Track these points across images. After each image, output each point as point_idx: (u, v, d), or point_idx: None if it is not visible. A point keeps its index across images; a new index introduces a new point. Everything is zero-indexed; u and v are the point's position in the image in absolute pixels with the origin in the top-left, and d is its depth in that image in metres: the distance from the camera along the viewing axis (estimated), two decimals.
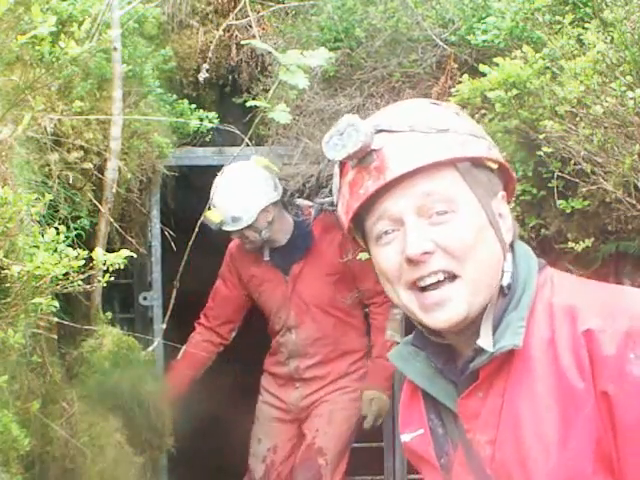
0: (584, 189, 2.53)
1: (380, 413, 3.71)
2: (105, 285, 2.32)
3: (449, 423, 1.31)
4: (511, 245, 1.29)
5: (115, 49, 3.24)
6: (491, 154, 1.28)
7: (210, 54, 4.26)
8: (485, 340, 1.21)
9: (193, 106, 4.18)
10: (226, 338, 3.92)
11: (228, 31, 4.38)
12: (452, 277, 1.21)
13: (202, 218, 3.63)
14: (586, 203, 2.63)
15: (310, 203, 3.60)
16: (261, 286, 3.79)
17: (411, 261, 1.20)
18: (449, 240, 1.20)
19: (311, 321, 3.70)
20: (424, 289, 1.22)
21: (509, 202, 1.33)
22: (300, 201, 3.63)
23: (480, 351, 1.23)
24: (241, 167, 3.50)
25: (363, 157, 1.23)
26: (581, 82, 2.36)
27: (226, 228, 3.49)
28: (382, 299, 3.60)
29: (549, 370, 1.19)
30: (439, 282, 1.21)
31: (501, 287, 1.25)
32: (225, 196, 3.46)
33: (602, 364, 1.14)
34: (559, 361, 1.17)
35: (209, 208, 3.45)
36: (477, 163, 1.26)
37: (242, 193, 3.46)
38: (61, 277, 2.09)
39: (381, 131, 1.24)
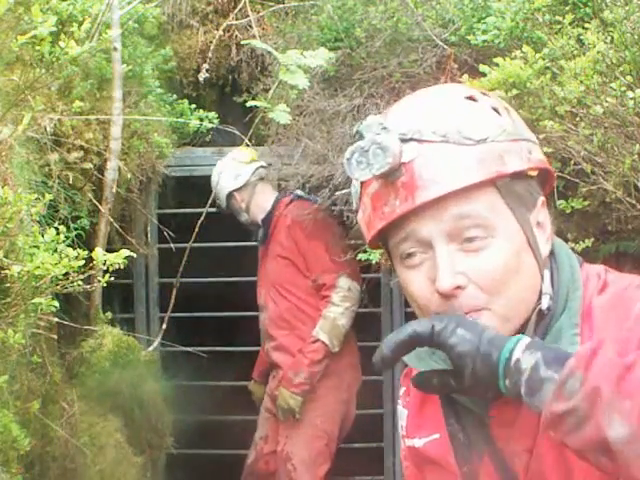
0: (584, 189, 2.52)
1: (287, 408, 3.59)
2: (105, 285, 2.31)
3: (472, 429, 1.20)
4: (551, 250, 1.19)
5: (115, 49, 3.25)
6: (532, 160, 1.15)
7: (210, 54, 4.26)
8: None
9: (193, 106, 4.19)
10: None
11: (228, 31, 4.39)
12: (481, 309, 1.12)
13: (202, 217, 3.66)
14: (586, 203, 2.63)
15: (306, 196, 3.72)
16: (259, 264, 3.90)
17: (442, 294, 1.10)
18: (482, 274, 1.10)
19: (272, 301, 3.73)
20: None
21: (547, 196, 1.21)
22: (301, 192, 3.74)
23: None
24: (222, 160, 3.81)
25: (389, 173, 1.10)
26: (581, 82, 2.36)
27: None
28: (324, 292, 3.60)
29: None
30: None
31: (539, 310, 1.14)
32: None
33: None
34: None
35: None
36: (517, 176, 1.13)
37: (214, 184, 3.77)
38: (61, 277, 2.09)
39: (409, 140, 1.09)
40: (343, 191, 3.25)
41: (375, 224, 1.14)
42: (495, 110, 1.15)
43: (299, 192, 3.75)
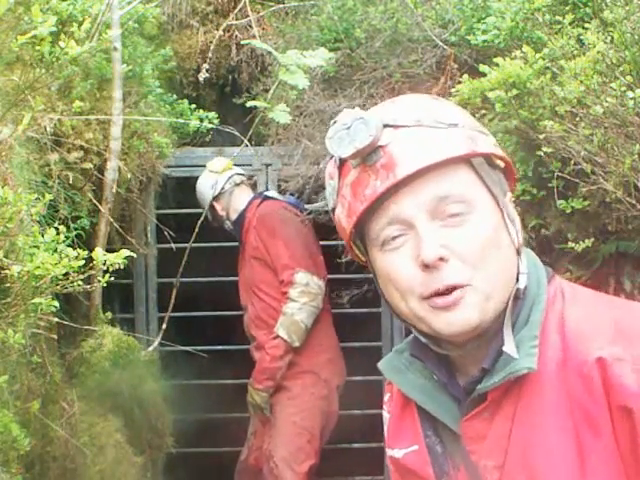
0: (584, 189, 2.52)
1: (254, 404, 3.71)
2: (105, 285, 2.31)
3: (449, 442, 1.22)
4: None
5: (115, 49, 3.24)
6: (498, 151, 1.20)
7: (210, 54, 4.26)
8: (509, 346, 1.13)
9: (193, 106, 4.19)
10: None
11: (228, 31, 4.39)
12: (465, 286, 1.12)
13: (202, 217, 3.67)
14: (586, 203, 2.63)
15: (276, 196, 3.83)
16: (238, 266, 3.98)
17: (427, 267, 1.11)
18: (463, 247, 1.12)
19: (250, 302, 3.81)
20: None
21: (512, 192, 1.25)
22: (271, 193, 3.87)
23: (488, 372, 1.15)
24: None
25: (369, 154, 1.13)
26: (581, 82, 2.36)
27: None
28: (283, 289, 3.65)
29: (561, 395, 1.11)
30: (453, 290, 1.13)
31: (517, 291, 1.16)
32: None
33: (620, 389, 1.06)
34: (572, 386, 1.10)
35: None
36: (488, 160, 1.18)
37: (199, 199, 3.90)
38: (61, 277, 2.09)
39: (385, 126, 1.13)
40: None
41: (356, 208, 1.15)
42: (460, 108, 1.23)
43: (270, 193, 3.86)
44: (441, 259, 1.11)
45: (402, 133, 1.14)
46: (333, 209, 1.22)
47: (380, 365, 1.31)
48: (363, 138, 1.12)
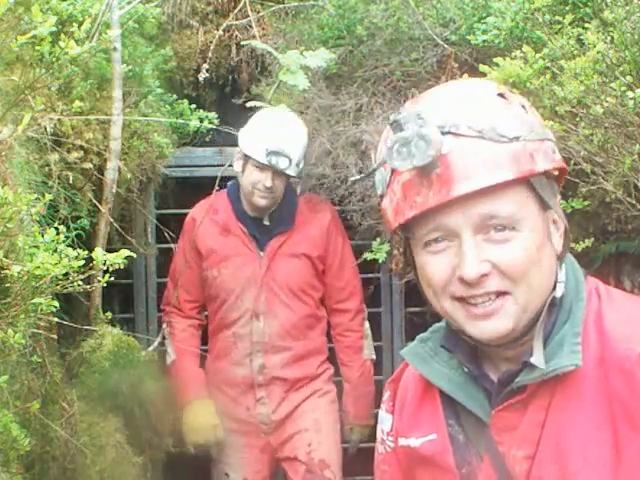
0: (584, 189, 2.53)
1: (362, 440, 3.59)
2: (105, 285, 2.31)
3: (472, 431, 1.24)
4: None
5: (115, 49, 3.25)
6: (556, 160, 1.19)
7: (210, 54, 4.26)
8: (538, 358, 1.14)
9: (193, 106, 4.19)
10: (202, 319, 3.61)
11: (228, 31, 4.39)
12: (503, 294, 1.15)
13: (202, 217, 3.64)
14: (586, 203, 2.63)
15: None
16: (223, 262, 3.37)
17: (464, 282, 1.13)
18: (506, 262, 1.13)
19: (284, 307, 3.32)
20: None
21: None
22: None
23: (529, 366, 1.16)
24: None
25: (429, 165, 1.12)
26: (581, 82, 2.36)
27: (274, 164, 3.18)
28: (356, 305, 3.44)
29: (599, 389, 1.13)
30: (489, 299, 1.15)
31: (553, 298, 1.18)
32: (290, 134, 3.23)
33: None
34: (611, 382, 1.13)
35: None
36: (545, 175, 1.18)
37: (300, 139, 3.25)
38: (61, 277, 2.08)
39: (446, 133, 1.12)
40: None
41: (405, 212, 1.16)
42: (523, 108, 1.18)
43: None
44: (483, 275, 1.13)
45: (462, 144, 1.12)
46: (381, 196, 1.22)
47: (404, 353, 1.33)
48: (422, 157, 1.11)
